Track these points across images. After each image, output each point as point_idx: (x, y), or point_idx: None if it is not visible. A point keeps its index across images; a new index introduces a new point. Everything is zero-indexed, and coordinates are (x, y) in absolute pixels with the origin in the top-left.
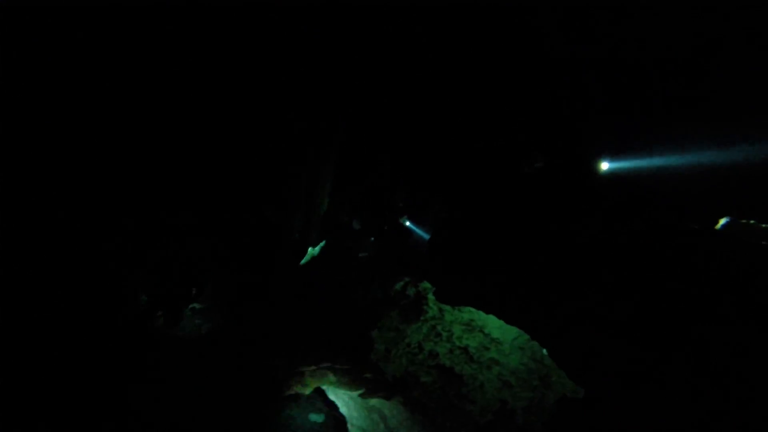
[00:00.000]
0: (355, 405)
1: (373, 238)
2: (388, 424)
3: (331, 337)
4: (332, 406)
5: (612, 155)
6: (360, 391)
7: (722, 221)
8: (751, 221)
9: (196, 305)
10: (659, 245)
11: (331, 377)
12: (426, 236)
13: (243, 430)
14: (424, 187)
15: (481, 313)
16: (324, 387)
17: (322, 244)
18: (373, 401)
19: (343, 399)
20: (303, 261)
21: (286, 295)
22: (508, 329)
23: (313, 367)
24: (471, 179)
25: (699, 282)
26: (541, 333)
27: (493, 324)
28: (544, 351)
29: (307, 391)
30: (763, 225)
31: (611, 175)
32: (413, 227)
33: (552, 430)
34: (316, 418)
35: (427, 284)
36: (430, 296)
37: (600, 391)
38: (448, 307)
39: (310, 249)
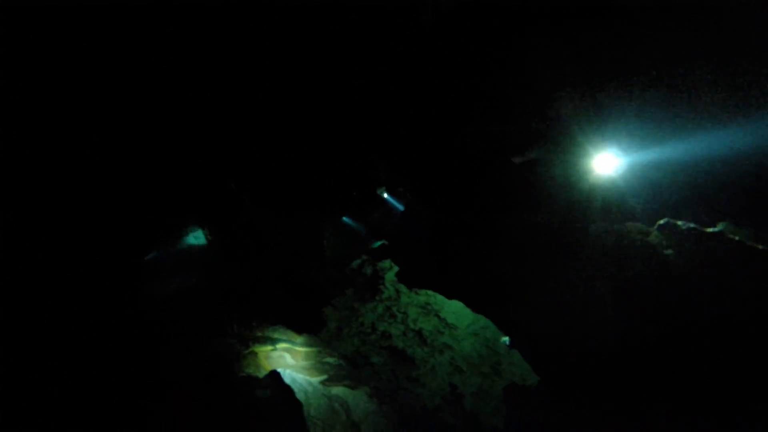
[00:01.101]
0: (315, 392)
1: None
2: (352, 416)
3: (285, 314)
4: (284, 388)
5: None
6: (321, 378)
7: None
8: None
9: None
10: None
11: (289, 359)
12: (401, 208)
13: (187, 410)
14: (400, 165)
15: (438, 297)
16: (280, 370)
17: None
18: (336, 390)
19: (301, 385)
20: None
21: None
22: (464, 315)
23: (269, 347)
24: (448, 164)
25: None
26: (503, 320)
27: (449, 309)
28: (505, 339)
29: (261, 373)
30: (708, 230)
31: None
32: (391, 200)
33: (498, 415)
34: (261, 393)
35: (386, 263)
36: (388, 276)
37: (553, 379)
38: (404, 289)
39: None
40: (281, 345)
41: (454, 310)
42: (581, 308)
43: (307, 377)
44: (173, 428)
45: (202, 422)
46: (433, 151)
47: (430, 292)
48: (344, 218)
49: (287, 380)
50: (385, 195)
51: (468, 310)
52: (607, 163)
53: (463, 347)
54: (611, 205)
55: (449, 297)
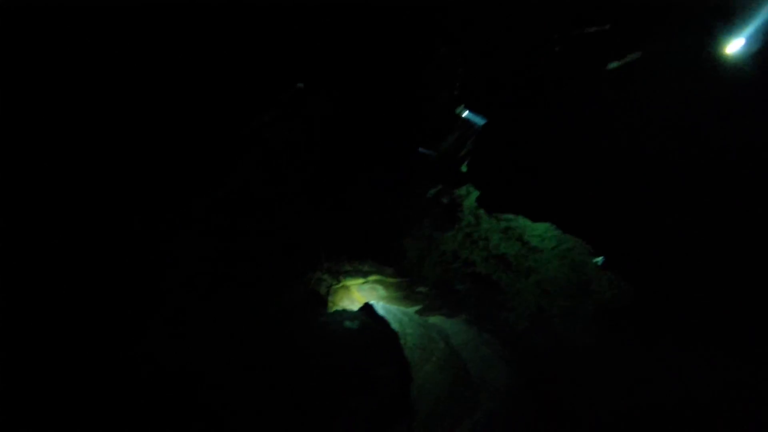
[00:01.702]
0: (411, 322)
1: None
2: (451, 344)
3: (367, 248)
4: (376, 318)
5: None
6: (416, 308)
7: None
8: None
9: None
10: None
11: (381, 291)
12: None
13: (277, 342)
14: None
15: (521, 221)
16: (373, 302)
17: None
18: (433, 319)
19: (395, 315)
20: None
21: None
22: (548, 238)
23: (360, 280)
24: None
25: None
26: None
27: (532, 232)
28: (598, 260)
29: (355, 306)
30: None
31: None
32: (471, 116)
33: (589, 334)
34: (350, 324)
35: (462, 190)
36: (466, 203)
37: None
38: (484, 215)
39: None
40: (372, 277)
41: (539, 233)
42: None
43: (402, 307)
44: (265, 364)
45: (294, 357)
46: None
47: (511, 217)
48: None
49: (381, 311)
50: (465, 113)
51: (552, 233)
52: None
53: (548, 270)
54: None
55: (535, 220)
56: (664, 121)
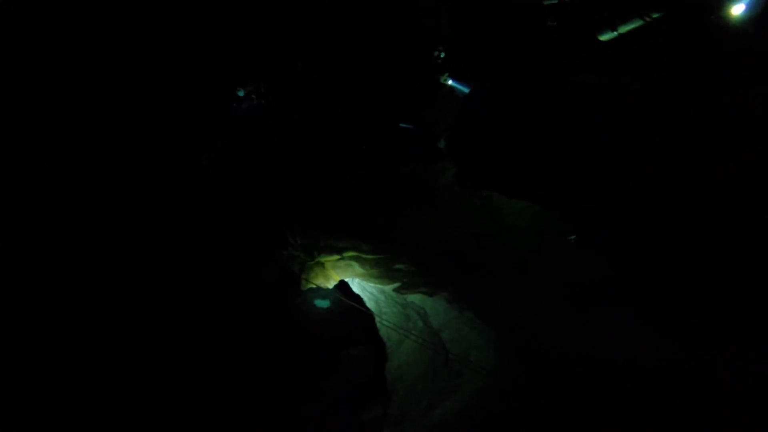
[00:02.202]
0: (388, 300)
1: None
2: (430, 323)
3: (347, 222)
4: (351, 296)
5: None
6: (394, 285)
7: None
8: None
9: None
10: None
11: (358, 268)
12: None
13: (246, 323)
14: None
15: (495, 198)
16: (348, 280)
17: None
18: (413, 297)
19: (371, 293)
20: None
21: None
22: (524, 216)
23: (336, 257)
24: None
25: None
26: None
27: (508, 210)
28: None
29: (331, 284)
30: None
31: None
32: (456, 85)
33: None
34: (322, 303)
35: (438, 167)
36: (443, 179)
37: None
38: (460, 192)
39: None
40: (348, 254)
41: (514, 211)
42: None
43: (379, 285)
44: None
45: (263, 338)
46: None
47: (488, 193)
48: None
49: (356, 289)
50: (450, 82)
51: (529, 211)
52: None
53: (522, 249)
54: None
55: (513, 197)
56: (657, 95)
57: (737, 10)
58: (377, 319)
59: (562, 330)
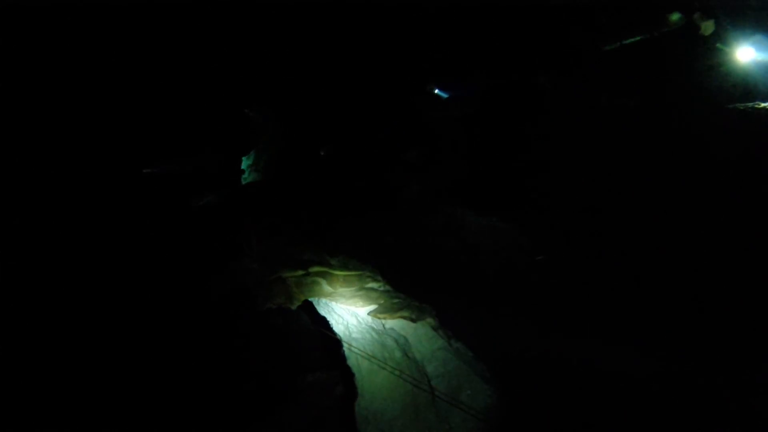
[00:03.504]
0: (359, 325)
1: None
2: (411, 354)
3: (313, 231)
4: (315, 318)
5: None
6: (371, 308)
7: None
8: None
9: None
10: None
11: (326, 286)
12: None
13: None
14: None
15: (459, 212)
16: (314, 300)
17: None
18: (392, 323)
19: (340, 316)
20: None
21: None
22: (487, 234)
23: (300, 272)
24: None
25: None
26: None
27: (471, 228)
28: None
29: (294, 304)
30: None
31: None
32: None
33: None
34: (281, 325)
35: (404, 179)
36: (407, 193)
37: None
38: (427, 207)
39: None
40: (314, 268)
41: (477, 229)
42: None
43: (350, 307)
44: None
45: (210, 364)
46: None
47: (452, 209)
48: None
49: (322, 311)
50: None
51: (494, 228)
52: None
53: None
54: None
55: (480, 213)
56: (647, 113)
57: (745, 55)
58: (345, 345)
59: (558, 359)
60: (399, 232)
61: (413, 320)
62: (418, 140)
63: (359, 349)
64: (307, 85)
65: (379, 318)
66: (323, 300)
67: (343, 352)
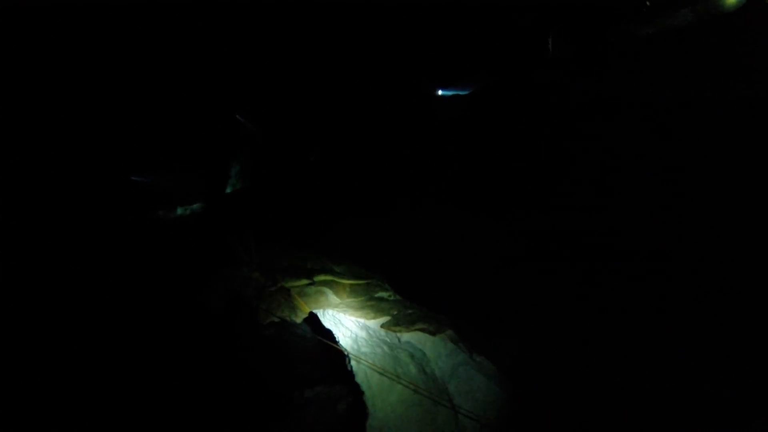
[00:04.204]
0: (370, 338)
1: None
2: (430, 370)
3: (315, 235)
4: (321, 331)
5: None
6: (382, 320)
7: None
8: None
9: None
10: None
11: (332, 297)
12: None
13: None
14: None
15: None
16: (319, 312)
17: None
18: (408, 336)
19: (347, 328)
20: None
21: None
22: None
23: (304, 281)
24: None
25: None
26: None
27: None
28: None
29: (299, 317)
30: None
31: None
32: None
33: None
34: (287, 337)
35: None
36: None
37: None
38: None
39: None
40: (319, 277)
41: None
42: None
43: (361, 319)
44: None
45: (204, 378)
46: None
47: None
48: None
49: (328, 323)
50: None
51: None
52: None
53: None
54: None
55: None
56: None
57: None
58: (353, 360)
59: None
60: (401, 236)
61: (432, 333)
62: (414, 140)
63: (368, 362)
64: (296, 88)
65: (393, 331)
66: (330, 312)
67: (351, 367)
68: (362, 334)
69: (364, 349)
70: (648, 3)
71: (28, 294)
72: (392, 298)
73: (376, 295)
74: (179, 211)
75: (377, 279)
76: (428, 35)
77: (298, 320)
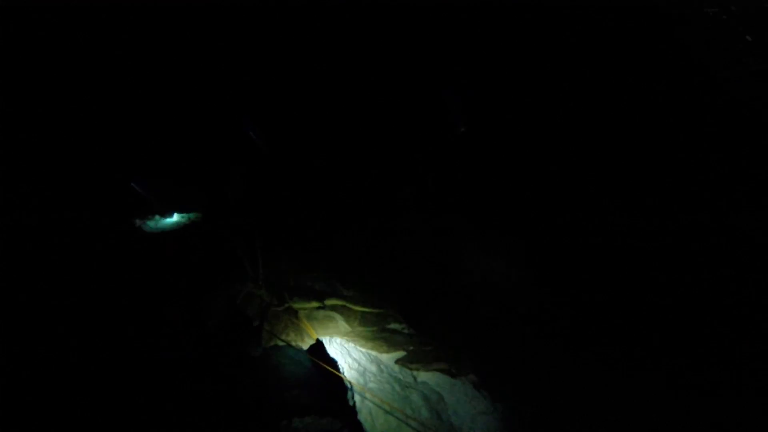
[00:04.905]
0: (380, 373)
1: None
2: (445, 415)
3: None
4: (326, 359)
5: None
6: (397, 356)
7: None
8: None
9: None
10: None
11: (342, 324)
12: None
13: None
14: None
15: None
16: (326, 339)
17: None
18: (425, 376)
19: (355, 359)
20: None
21: None
22: None
23: (314, 303)
24: None
25: None
26: None
27: None
28: None
29: (306, 342)
30: None
31: None
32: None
33: None
34: (287, 365)
35: None
36: None
37: None
38: None
39: None
40: (330, 301)
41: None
42: None
43: (372, 352)
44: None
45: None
46: None
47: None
48: None
49: (333, 352)
50: None
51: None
52: None
53: None
54: None
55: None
56: None
57: None
58: (356, 394)
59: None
60: (413, 256)
61: (452, 375)
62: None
63: (375, 399)
64: (297, 95)
65: (409, 369)
66: (338, 340)
67: (354, 402)
68: (372, 368)
69: (371, 385)
70: None
71: (28, 295)
72: (405, 331)
73: (389, 326)
74: (178, 218)
75: (390, 309)
76: (444, 39)
77: (305, 346)
